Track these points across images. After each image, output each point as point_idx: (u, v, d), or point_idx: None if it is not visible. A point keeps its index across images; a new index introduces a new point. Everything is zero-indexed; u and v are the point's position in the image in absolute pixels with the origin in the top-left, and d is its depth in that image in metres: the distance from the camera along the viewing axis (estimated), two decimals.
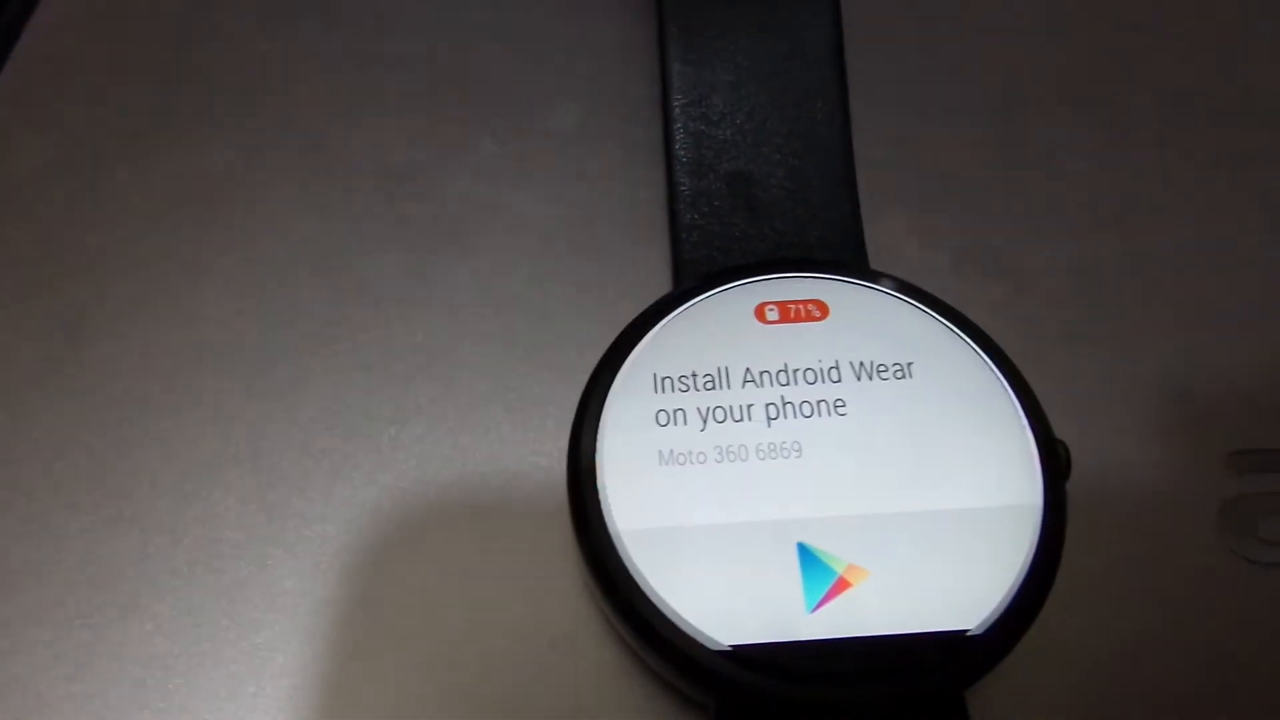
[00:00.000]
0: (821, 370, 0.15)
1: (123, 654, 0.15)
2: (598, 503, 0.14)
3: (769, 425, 0.14)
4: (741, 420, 0.14)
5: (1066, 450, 0.15)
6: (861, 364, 0.15)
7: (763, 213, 0.17)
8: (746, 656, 0.13)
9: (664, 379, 0.15)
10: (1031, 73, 0.21)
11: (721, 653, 0.13)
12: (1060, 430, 0.15)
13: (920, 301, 0.16)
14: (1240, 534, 0.16)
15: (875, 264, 0.17)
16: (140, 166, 0.19)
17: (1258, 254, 0.18)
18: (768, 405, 0.15)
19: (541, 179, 0.19)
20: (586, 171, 0.19)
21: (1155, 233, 0.19)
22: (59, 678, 0.15)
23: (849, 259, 0.17)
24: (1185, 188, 0.19)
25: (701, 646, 0.13)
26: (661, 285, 0.18)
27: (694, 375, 0.15)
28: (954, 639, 0.13)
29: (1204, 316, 0.18)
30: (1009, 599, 0.13)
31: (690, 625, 0.13)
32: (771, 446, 0.14)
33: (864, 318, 0.15)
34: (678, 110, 0.18)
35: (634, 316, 0.16)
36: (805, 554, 0.13)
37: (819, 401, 0.15)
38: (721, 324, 0.15)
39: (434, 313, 0.18)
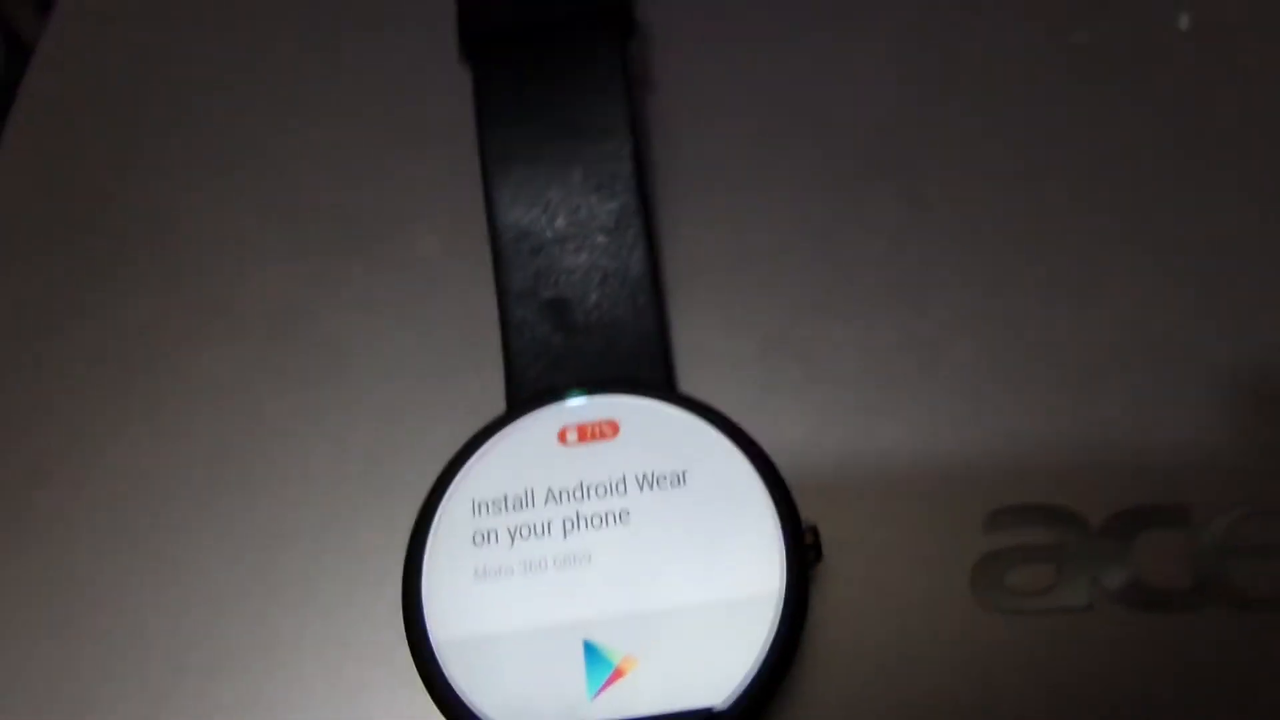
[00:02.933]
0: (611, 484, 0.18)
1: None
2: (420, 615, 0.17)
3: (565, 537, 0.17)
4: (543, 535, 0.17)
5: (816, 535, 0.17)
6: (644, 475, 0.18)
7: (578, 333, 0.20)
8: None
9: (481, 503, 0.18)
10: (833, 146, 0.23)
11: None
12: (830, 510, 0.18)
13: (697, 413, 0.18)
14: (990, 587, 0.18)
15: (686, 359, 0.20)
16: (45, 334, 0.23)
17: (1025, 324, 0.21)
18: (564, 520, 0.18)
19: (399, 308, 0.22)
20: (438, 299, 0.22)
21: (930, 310, 0.21)
22: None
23: (652, 372, 0.20)
24: (978, 254, 0.22)
25: None
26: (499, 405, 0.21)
27: (505, 497, 0.18)
28: (704, 715, 0.16)
29: (970, 382, 0.20)
30: (750, 677, 0.16)
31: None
32: (566, 556, 0.17)
33: (649, 432, 0.18)
34: (504, 243, 0.21)
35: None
36: (589, 649, 0.16)
37: (607, 513, 0.18)
38: (529, 447, 0.18)
39: (317, 440, 0.21)
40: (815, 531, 0.17)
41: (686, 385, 0.20)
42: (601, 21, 0.21)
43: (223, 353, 0.22)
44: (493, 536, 0.18)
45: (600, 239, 0.20)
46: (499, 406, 0.20)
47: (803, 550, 0.17)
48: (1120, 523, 0.18)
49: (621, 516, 0.17)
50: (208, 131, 0.25)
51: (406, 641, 0.17)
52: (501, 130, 0.21)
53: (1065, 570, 0.18)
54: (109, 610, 0.20)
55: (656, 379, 0.20)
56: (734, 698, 0.16)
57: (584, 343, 0.20)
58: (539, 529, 0.18)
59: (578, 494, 0.18)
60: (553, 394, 0.19)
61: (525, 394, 0.20)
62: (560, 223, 0.21)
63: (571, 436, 0.18)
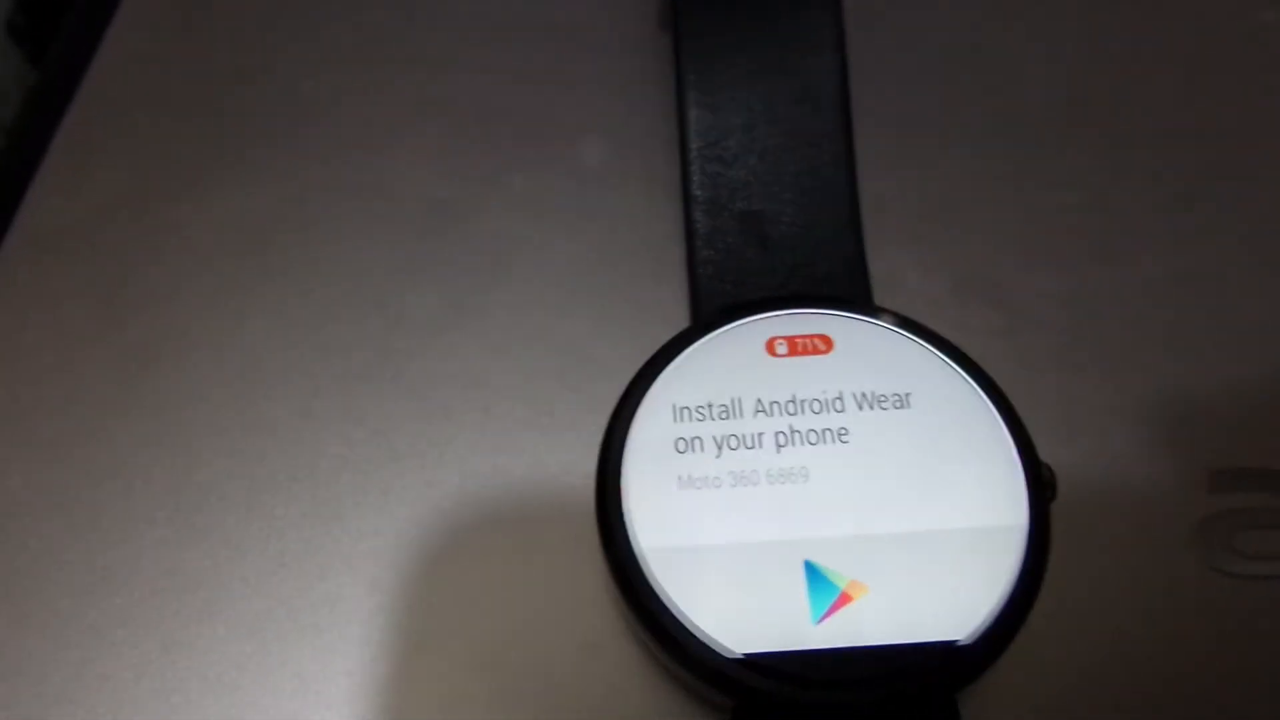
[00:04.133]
0: (827, 401, 0.16)
1: (198, 652, 0.17)
2: (622, 523, 0.15)
3: (778, 452, 0.16)
4: (753, 448, 0.16)
5: (1051, 473, 0.16)
6: (864, 394, 0.16)
7: (773, 248, 0.19)
8: (759, 664, 0.14)
9: (682, 409, 0.16)
10: (1028, 105, 0.22)
11: (737, 660, 0.14)
12: (1049, 453, 0.16)
13: (918, 335, 0.17)
14: (1218, 548, 0.17)
15: (878, 292, 0.19)
16: (199, 204, 0.21)
17: (1237, 283, 0.20)
18: (777, 434, 0.16)
19: (568, 214, 0.21)
20: (609, 208, 0.21)
21: (1140, 263, 0.20)
22: (139, 675, 0.16)
23: (854, 293, 0.18)
24: (1169, 219, 0.21)
25: (719, 655, 0.14)
26: (679, 316, 0.19)
27: (710, 406, 0.16)
28: (946, 648, 0.14)
29: (1186, 342, 0.19)
30: (996, 612, 0.14)
31: (708, 635, 0.14)
32: (780, 472, 0.16)
33: (866, 351, 0.17)
34: (694, 152, 0.19)
35: (654, 349, 0.17)
36: (811, 571, 0.15)
37: (824, 430, 0.16)
38: (734, 357, 0.17)
39: (470, 343, 0.19)
40: (1050, 468, 0.16)
41: None
42: None
43: (369, 241, 0.20)
44: (697, 444, 0.16)
45: (803, 152, 0.19)
46: (680, 320, 0.19)
47: (1042, 485, 0.16)
48: None
49: (840, 434, 0.16)
50: (369, 23, 0.23)
51: (603, 547, 0.16)
52: (700, 34, 0.20)
53: None
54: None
55: (863, 301, 0.18)
56: (979, 633, 0.14)
57: (780, 258, 0.19)
58: (749, 440, 0.16)
59: (790, 407, 0.16)
60: (758, 304, 0.17)
61: (716, 307, 0.18)
62: (759, 133, 0.19)
63: (781, 348, 0.17)
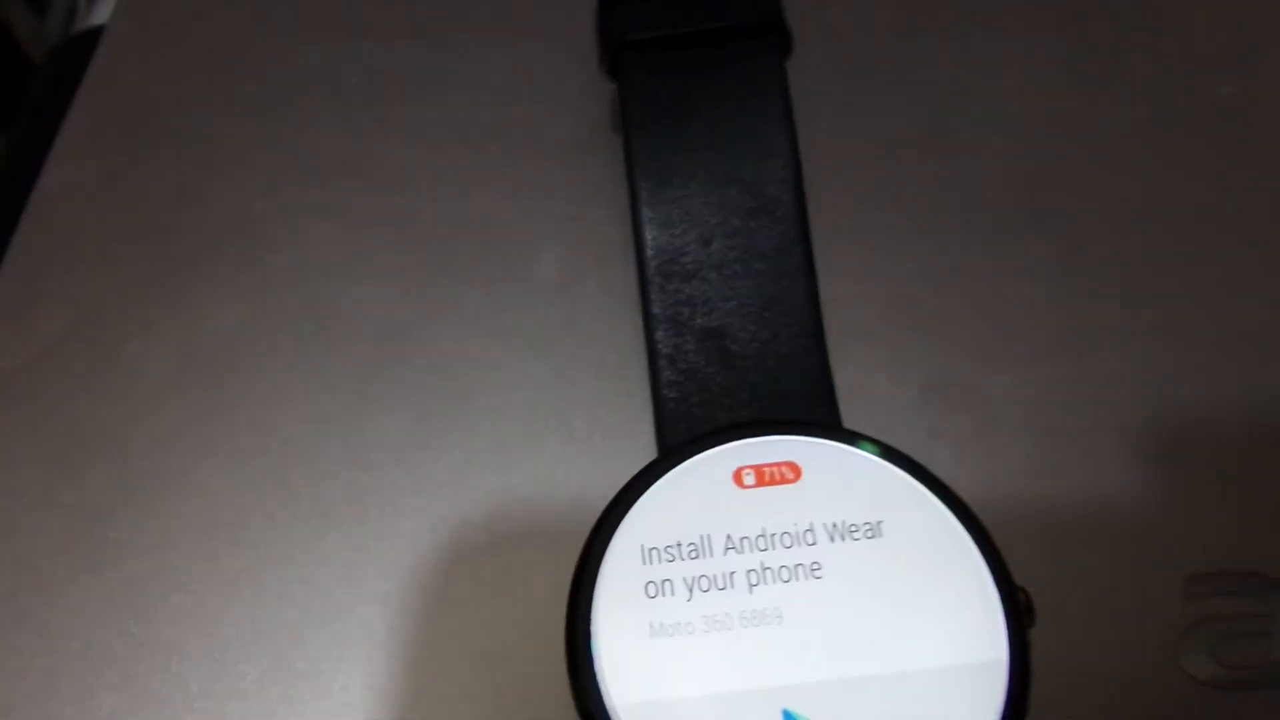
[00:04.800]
0: (797, 534, 0.16)
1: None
2: (594, 678, 0.15)
3: (750, 592, 0.15)
4: (725, 588, 0.16)
5: (1028, 598, 0.16)
6: (835, 525, 0.16)
7: (736, 367, 0.18)
8: None
9: (651, 550, 0.16)
10: (987, 195, 0.22)
11: None
12: (1023, 568, 0.16)
13: (888, 459, 0.17)
14: (1199, 658, 0.17)
15: (845, 401, 0.19)
16: (149, 336, 0.21)
17: (1208, 374, 0.19)
18: (749, 572, 0.16)
19: (527, 330, 0.20)
20: (569, 321, 0.20)
21: (1109, 357, 0.20)
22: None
23: (820, 412, 0.18)
24: (1137, 306, 0.20)
25: None
26: (646, 435, 0.19)
27: (679, 545, 0.16)
28: None
29: (1156, 440, 0.19)
30: None
31: None
32: (754, 614, 0.15)
33: (835, 477, 0.16)
34: (652, 269, 0.19)
35: (620, 474, 0.17)
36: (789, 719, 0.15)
37: (796, 565, 0.16)
38: (701, 491, 0.16)
39: (436, 474, 0.19)
40: (1026, 592, 0.16)
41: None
42: (758, 35, 0.20)
43: (326, 367, 0.20)
44: (668, 588, 0.16)
45: (759, 266, 0.19)
46: (646, 438, 0.18)
47: (1020, 614, 0.15)
48: None
49: (813, 569, 0.16)
50: (313, 136, 0.23)
51: (575, 703, 0.15)
52: (652, 148, 0.20)
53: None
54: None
55: (826, 420, 0.18)
56: None
57: (744, 377, 0.18)
58: (720, 580, 0.16)
59: (761, 543, 0.16)
60: (723, 432, 0.17)
61: (681, 431, 0.18)
62: (716, 247, 0.19)
63: (749, 479, 0.17)
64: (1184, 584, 0.17)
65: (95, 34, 0.29)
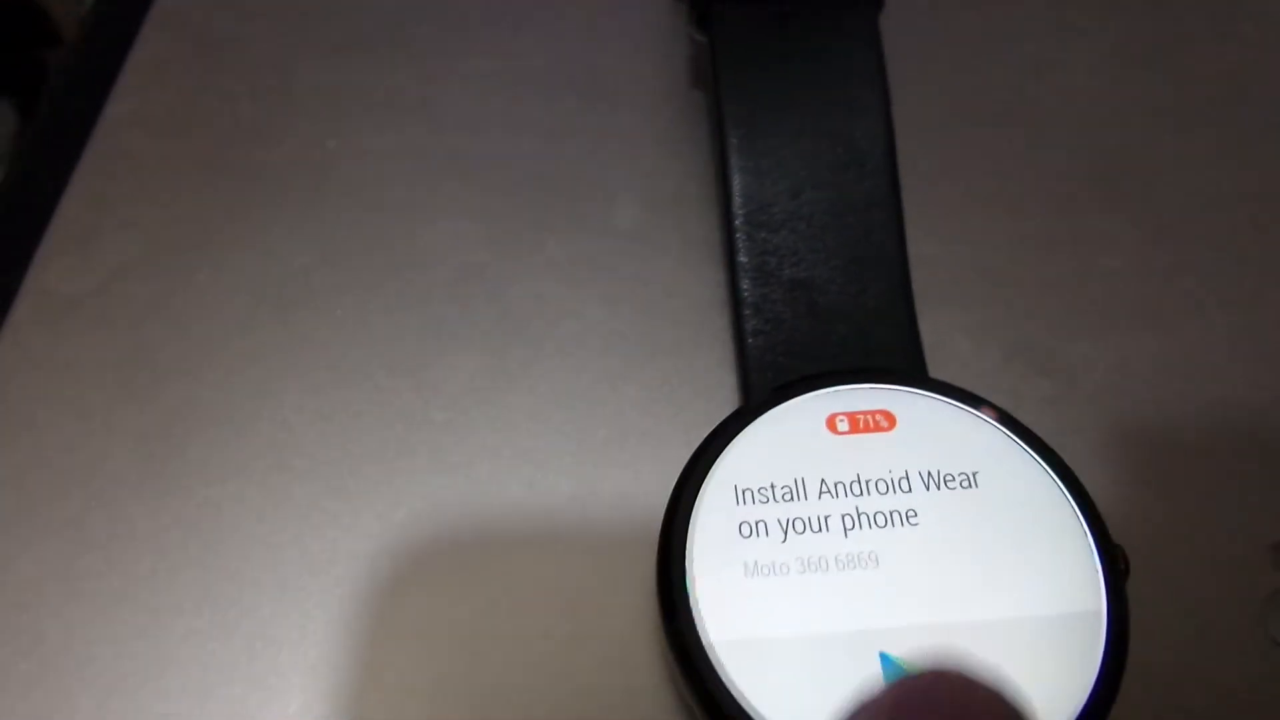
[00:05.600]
0: (892, 481, 0.16)
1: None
2: (690, 614, 0.15)
3: (846, 536, 0.15)
4: (820, 531, 0.15)
5: (1125, 555, 0.16)
6: (930, 474, 0.16)
7: (824, 318, 0.18)
8: None
9: (744, 491, 0.16)
10: (1070, 169, 0.22)
11: None
12: (1111, 528, 0.16)
13: (981, 410, 0.17)
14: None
15: (930, 360, 0.18)
16: (219, 268, 0.20)
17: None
18: (844, 516, 0.15)
19: (604, 279, 0.20)
20: (647, 271, 0.20)
21: (1190, 327, 0.20)
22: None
23: (908, 364, 0.18)
24: (1216, 281, 0.20)
25: None
26: (725, 386, 0.19)
27: (772, 487, 0.16)
28: None
29: (1239, 406, 0.19)
30: (1083, 703, 0.14)
31: None
32: (850, 557, 0.15)
33: (929, 427, 0.16)
34: (739, 218, 0.19)
35: (701, 420, 0.17)
36: (887, 662, 0.14)
37: (892, 512, 0.16)
38: (795, 435, 0.16)
39: (511, 413, 0.19)
40: (1123, 549, 0.16)
41: None
42: None
43: (400, 307, 0.20)
44: (762, 529, 0.15)
45: (849, 219, 0.19)
46: (725, 390, 0.18)
47: (1118, 566, 0.15)
48: None
49: (909, 516, 0.16)
50: (387, 79, 0.23)
51: (668, 638, 0.15)
52: (744, 98, 0.19)
53: None
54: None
55: (917, 373, 0.18)
56: None
57: (831, 328, 0.18)
58: (815, 523, 0.15)
59: (856, 488, 0.16)
60: (818, 379, 0.17)
61: (767, 380, 0.18)
62: (805, 198, 0.19)
63: (843, 425, 0.16)
64: (1271, 550, 0.17)
65: None
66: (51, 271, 0.20)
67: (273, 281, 0.20)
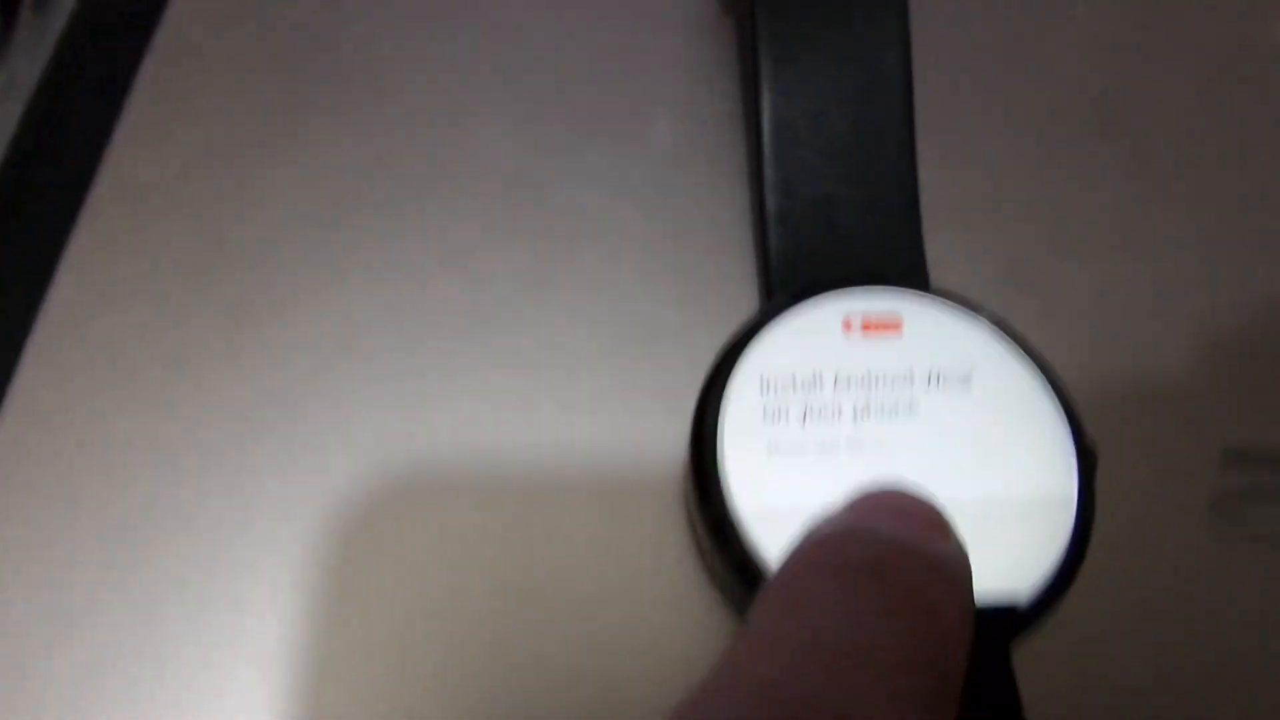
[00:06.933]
0: (898, 377, 0.18)
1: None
2: (719, 486, 0.17)
3: (855, 423, 0.18)
4: (834, 419, 0.18)
5: (1095, 447, 0.18)
6: (931, 372, 0.18)
7: (841, 231, 0.20)
8: None
9: (768, 380, 0.18)
10: (1067, 103, 0.24)
11: None
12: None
13: (980, 315, 0.19)
14: (1230, 521, 0.19)
15: (931, 275, 0.20)
16: (282, 162, 0.22)
17: (1253, 275, 0.22)
18: (854, 406, 0.18)
19: (640, 190, 0.22)
20: (678, 184, 0.22)
21: (1167, 254, 0.22)
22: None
23: (914, 276, 0.20)
24: (1197, 213, 0.22)
25: None
26: (747, 290, 0.21)
27: (794, 377, 0.18)
28: (1007, 612, 0.16)
29: (1207, 326, 0.21)
30: (1050, 574, 0.16)
31: None
32: (859, 441, 0.17)
33: (933, 330, 0.18)
34: (767, 135, 0.21)
35: (723, 322, 0.19)
36: None
37: (896, 403, 0.18)
38: (814, 333, 0.18)
39: (553, 309, 0.20)
40: (1093, 439, 0.18)
41: None
42: None
43: (452, 205, 0.21)
44: (784, 414, 0.18)
45: (868, 140, 0.21)
46: (748, 295, 0.20)
47: (1089, 458, 0.18)
48: None
49: (911, 408, 0.18)
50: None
51: (698, 508, 0.17)
52: (777, 25, 0.21)
53: None
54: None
55: (921, 283, 0.20)
56: (1036, 593, 0.16)
57: (846, 240, 0.20)
58: (830, 412, 0.18)
59: (866, 382, 0.18)
60: (835, 282, 0.19)
61: (788, 284, 0.20)
62: (829, 120, 0.21)
63: (856, 326, 0.18)
64: (1221, 455, 0.20)
65: None
66: (126, 159, 0.21)
67: (332, 176, 0.22)
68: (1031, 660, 0.17)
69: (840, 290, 0.19)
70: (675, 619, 0.18)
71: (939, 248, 0.21)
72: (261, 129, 0.22)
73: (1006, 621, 0.16)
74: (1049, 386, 0.18)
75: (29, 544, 0.18)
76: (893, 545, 0.12)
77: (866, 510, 0.13)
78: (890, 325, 0.19)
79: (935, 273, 0.21)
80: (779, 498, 0.17)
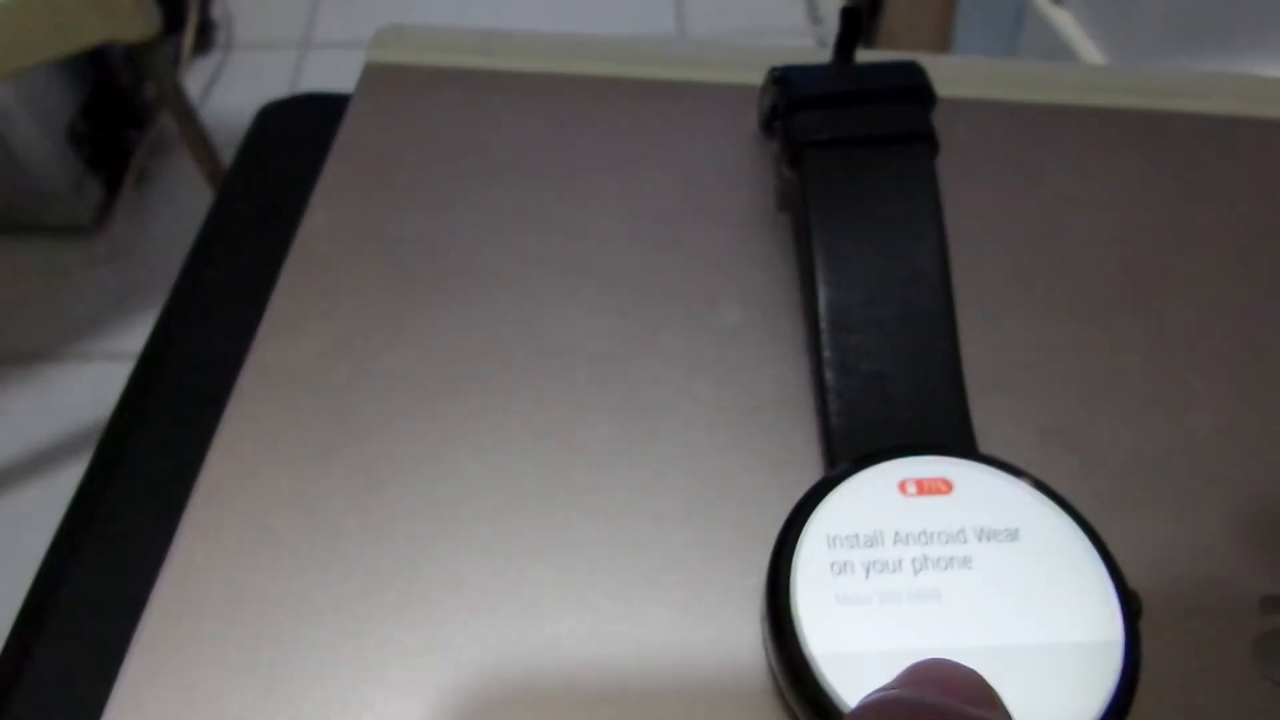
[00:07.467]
0: (952, 534, 0.20)
1: None
2: (794, 631, 0.19)
3: (915, 576, 0.20)
4: (895, 572, 0.20)
5: (1138, 597, 0.20)
6: (981, 529, 0.20)
7: (894, 404, 0.23)
8: None
9: (834, 538, 0.20)
10: (1094, 281, 0.26)
11: None
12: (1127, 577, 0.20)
13: (1021, 479, 0.21)
14: (1271, 662, 0.21)
15: (979, 439, 0.23)
16: (402, 351, 0.25)
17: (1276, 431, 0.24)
18: (913, 560, 0.20)
19: (712, 367, 0.25)
20: (745, 361, 0.25)
21: (1198, 414, 0.24)
22: None
23: (962, 441, 0.22)
24: (1217, 375, 0.25)
25: None
26: (809, 457, 0.23)
27: (857, 536, 0.20)
28: None
29: (1236, 481, 0.23)
30: (1101, 715, 0.18)
31: None
32: (918, 592, 0.19)
33: (980, 492, 0.21)
34: (825, 322, 0.23)
35: (793, 486, 0.21)
36: None
37: (951, 558, 0.20)
38: (873, 496, 0.21)
39: (639, 474, 0.23)
40: (1135, 592, 0.20)
41: None
42: (913, 140, 0.25)
43: (546, 386, 0.24)
44: (849, 568, 0.20)
45: (913, 324, 0.23)
46: (812, 462, 0.23)
47: (1132, 606, 0.19)
48: None
49: (965, 562, 0.20)
50: (534, 200, 0.28)
51: (775, 651, 0.19)
52: (828, 224, 0.24)
53: None
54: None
55: (969, 449, 0.22)
56: None
57: (899, 412, 0.23)
58: (891, 565, 0.20)
59: (923, 539, 0.20)
60: (890, 451, 0.21)
61: (848, 452, 0.22)
62: (878, 307, 0.23)
63: (911, 489, 0.21)
64: (1260, 601, 0.21)
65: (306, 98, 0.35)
66: (269, 350, 0.25)
67: (443, 362, 0.25)
68: None
69: (895, 457, 0.21)
70: None
71: (985, 414, 0.24)
72: (382, 323, 0.25)
73: None
74: (1090, 541, 0.20)
75: (194, 684, 0.20)
76: (934, 711, 0.14)
77: (915, 680, 0.16)
78: (940, 488, 0.21)
79: (983, 438, 0.23)
80: (848, 642, 0.19)
